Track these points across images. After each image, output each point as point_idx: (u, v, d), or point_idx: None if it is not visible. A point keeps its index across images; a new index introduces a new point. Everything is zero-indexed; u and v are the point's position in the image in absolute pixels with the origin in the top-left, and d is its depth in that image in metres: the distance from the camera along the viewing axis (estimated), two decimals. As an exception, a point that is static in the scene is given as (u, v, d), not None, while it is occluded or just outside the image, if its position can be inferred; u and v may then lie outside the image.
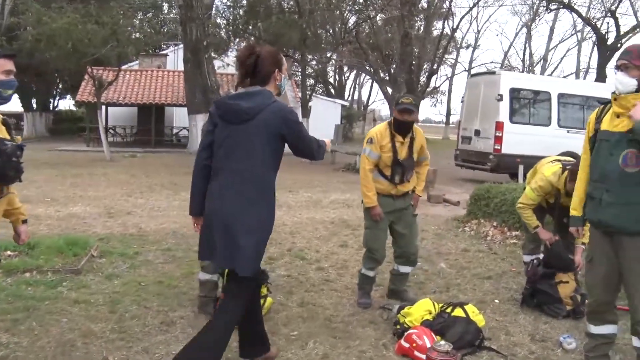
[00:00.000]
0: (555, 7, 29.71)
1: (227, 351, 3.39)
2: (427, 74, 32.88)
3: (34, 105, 34.43)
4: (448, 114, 51.73)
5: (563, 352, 4.10)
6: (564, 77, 40.85)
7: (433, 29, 33.69)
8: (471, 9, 37.34)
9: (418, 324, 4.13)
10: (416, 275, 5.85)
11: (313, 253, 6.74)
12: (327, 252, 6.81)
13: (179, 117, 28.84)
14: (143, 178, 13.85)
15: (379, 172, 4.76)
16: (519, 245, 6.87)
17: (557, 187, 4.96)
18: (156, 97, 26.09)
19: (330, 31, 32.21)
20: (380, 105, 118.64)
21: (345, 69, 45.89)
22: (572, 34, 47.35)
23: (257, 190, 3.18)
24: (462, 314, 4.21)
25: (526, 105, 15.74)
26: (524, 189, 5.57)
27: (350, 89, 53.81)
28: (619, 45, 25.82)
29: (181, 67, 21.05)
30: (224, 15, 24.91)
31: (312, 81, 32.67)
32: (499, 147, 14.54)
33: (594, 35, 28.45)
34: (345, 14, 28.86)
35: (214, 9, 21.77)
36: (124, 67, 26.74)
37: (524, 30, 48.66)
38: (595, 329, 3.59)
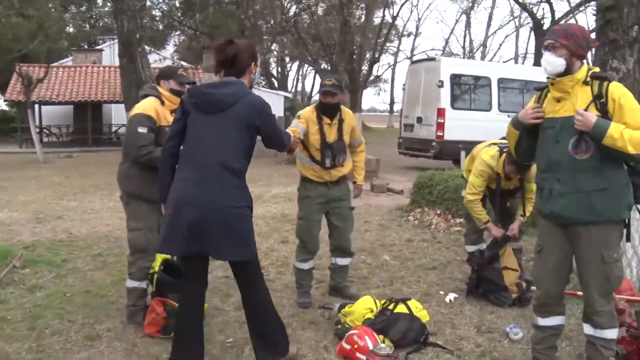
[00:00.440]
0: (492, -7, 30.07)
1: (212, 346, 3.49)
2: (369, 62, 32.88)
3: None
4: (392, 103, 52.19)
5: (510, 343, 4.02)
6: (504, 62, 41.59)
7: (374, 17, 33.70)
8: (410, -4, 37.50)
9: (359, 323, 3.94)
10: (359, 270, 5.68)
11: (253, 251, 6.46)
12: (267, 250, 6.56)
13: (117, 114, 27.82)
14: (77, 179, 13.29)
15: (310, 158, 4.61)
16: (463, 233, 6.77)
17: (497, 170, 4.90)
18: (92, 94, 25.18)
19: (272, 22, 31.82)
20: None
21: (288, 60, 45.52)
22: (510, 20, 48.55)
23: (236, 179, 3.23)
24: (405, 310, 4.05)
25: (467, 91, 15.85)
26: (462, 176, 5.50)
27: (294, 80, 53.65)
28: (554, 30, 26.32)
29: (117, 62, 20.37)
30: (159, 7, 24.15)
31: (253, 73, 32.03)
32: (441, 134, 14.59)
33: (531, 21, 28.90)
34: (285, 4, 28.49)
35: (148, 0, 21.05)
36: (56, 63, 25.71)
37: (464, 17, 49.38)
38: (543, 321, 3.48)
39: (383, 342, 3.76)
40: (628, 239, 3.30)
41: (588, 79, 3.11)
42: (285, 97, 35.84)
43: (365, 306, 4.09)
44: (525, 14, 36.18)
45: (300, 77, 55.08)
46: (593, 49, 4.22)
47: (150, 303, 4.18)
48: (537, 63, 26.55)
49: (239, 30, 21.68)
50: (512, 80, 15.78)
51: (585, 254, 3.19)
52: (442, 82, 14.68)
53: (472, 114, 14.93)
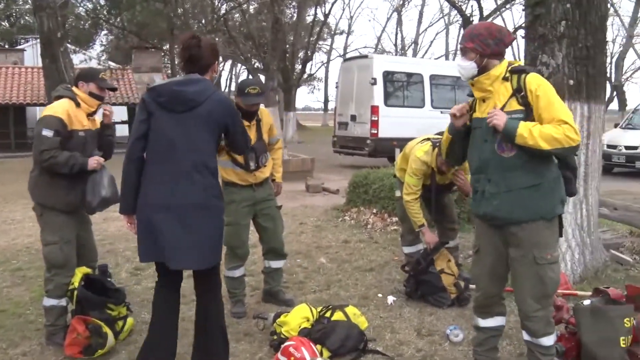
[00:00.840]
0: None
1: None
2: (302, 61, 32.79)
3: None
4: (326, 101, 52.24)
5: (451, 346, 3.93)
6: (435, 59, 42.33)
7: (306, 15, 33.62)
8: (342, -6, 37.64)
9: (295, 333, 3.75)
10: (295, 275, 5.50)
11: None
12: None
13: (42, 117, 26.72)
14: (-3, 186, 12.53)
15: (233, 162, 4.42)
16: (400, 232, 6.70)
17: (431, 165, 4.84)
18: (13, 96, 23.89)
19: (203, 21, 31.25)
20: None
21: (220, 59, 44.90)
22: (440, 18, 49.36)
23: (210, 178, 3.12)
24: (343, 318, 3.91)
25: (400, 88, 15.92)
26: (394, 175, 5.40)
27: (227, 79, 52.98)
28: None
29: (40, 62, 19.46)
30: (82, 4, 23.26)
31: (184, 73, 31.42)
32: (375, 132, 14.58)
33: (460, 18, 29.49)
34: (215, 2, 28.02)
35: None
36: (-29, 64, 24.38)
37: (395, 15, 49.97)
38: (484, 322, 3.41)
39: (321, 352, 3.60)
40: (560, 234, 3.24)
41: (507, 74, 3.05)
42: (219, 97, 35.30)
43: (301, 315, 3.90)
44: (454, 12, 36.93)
45: (233, 76, 54.51)
46: (518, 43, 4.18)
47: (70, 322, 3.87)
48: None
49: (168, 29, 21.15)
50: (443, 77, 15.96)
51: (517, 254, 3.11)
52: (375, 79, 14.69)
53: (405, 110, 15.00)
